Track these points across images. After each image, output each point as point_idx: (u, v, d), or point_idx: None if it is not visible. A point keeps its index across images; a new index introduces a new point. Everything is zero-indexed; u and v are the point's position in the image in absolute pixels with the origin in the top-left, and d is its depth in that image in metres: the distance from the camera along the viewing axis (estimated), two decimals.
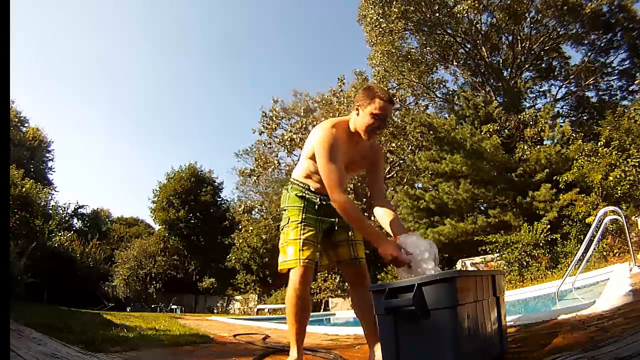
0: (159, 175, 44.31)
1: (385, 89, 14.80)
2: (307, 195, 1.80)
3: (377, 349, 1.72)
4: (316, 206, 1.78)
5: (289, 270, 1.71)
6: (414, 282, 1.24)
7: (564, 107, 17.09)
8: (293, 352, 1.75)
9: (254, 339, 3.11)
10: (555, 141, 11.06)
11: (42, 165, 23.97)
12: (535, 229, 8.58)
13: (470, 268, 10.91)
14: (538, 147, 10.92)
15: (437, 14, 14.62)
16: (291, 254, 1.70)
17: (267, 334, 3.40)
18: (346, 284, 14.99)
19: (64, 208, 24.07)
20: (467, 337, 1.25)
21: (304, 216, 1.76)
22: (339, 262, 1.85)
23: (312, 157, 1.74)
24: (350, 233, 1.84)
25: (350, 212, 1.60)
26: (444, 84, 17.54)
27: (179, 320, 6.17)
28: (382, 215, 1.79)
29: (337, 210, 1.69)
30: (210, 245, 23.20)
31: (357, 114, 1.71)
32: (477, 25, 15.37)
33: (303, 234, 1.71)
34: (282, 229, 1.80)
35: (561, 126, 11.46)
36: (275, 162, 16.74)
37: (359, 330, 3.07)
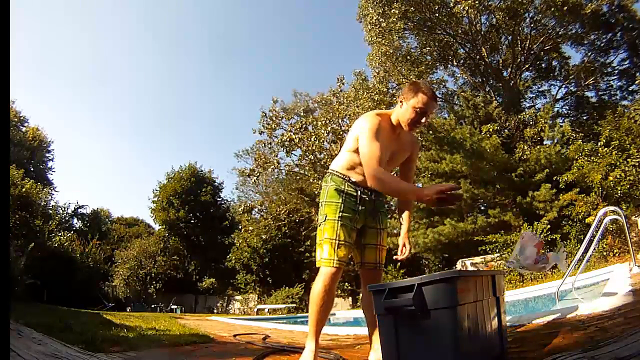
0: (159, 175, 44.38)
1: (382, 89, 14.85)
2: (346, 189, 1.80)
3: (378, 350, 1.74)
4: (356, 199, 1.80)
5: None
6: (413, 282, 1.24)
7: (564, 107, 17.09)
8: (311, 344, 1.73)
9: (254, 339, 3.11)
10: (555, 141, 11.06)
11: (42, 165, 23.96)
12: (535, 229, 8.57)
13: (470, 268, 10.90)
14: (538, 147, 10.93)
15: (437, 14, 14.62)
16: (326, 253, 1.73)
17: (267, 334, 3.40)
18: (346, 284, 15.01)
19: (64, 208, 24.13)
20: (467, 337, 1.25)
21: (340, 215, 1.77)
22: (362, 264, 1.88)
23: (356, 150, 1.76)
24: (379, 238, 1.87)
25: (384, 181, 1.60)
26: (443, 84, 17.55)
27: (179, 320, 6.17)
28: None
29: (374, 202, 1.82)
30: (210, 245, 23.20)
31: (401, 107, 1.76)
32: (477, 25, 15.36)
33: (338, 234, 1.74)
34: (319, 226, 1.83)
35: (561, 126, 11.46)
36: (275, 162, 16.74)
37: (359, 330, 3.08)
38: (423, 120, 1.72)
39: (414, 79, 16.04)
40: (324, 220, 1.78)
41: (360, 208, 1.80)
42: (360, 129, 1.74)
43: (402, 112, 1.75)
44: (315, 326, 1.73)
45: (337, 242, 1.72)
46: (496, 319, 1.54)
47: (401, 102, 1.77)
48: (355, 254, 1.90)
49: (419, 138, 13.79)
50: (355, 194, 1.79)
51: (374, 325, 1.74)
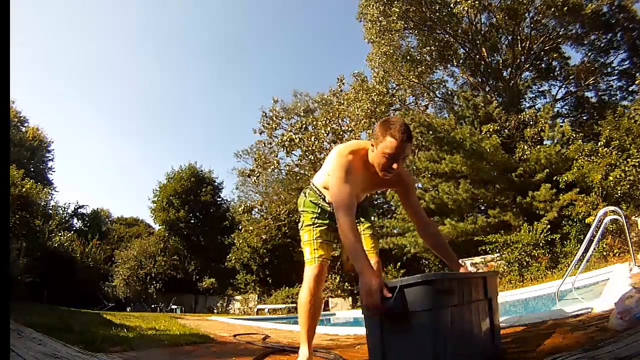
0: (159, 175, 44.33)
1: (382, 89, 14.85)
2: (320, 203, 1.90)
3: None
4: (327, 215, 1.88)
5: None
6: (396, 284, 1.24)
7: (564, 107, 17.08)
8: (304, 350, 1.76)
9: (254, 339, 3.11)
10: (555, 141, 11.06)
11: (42, 165, 23.98)
12: (535, 229, 8.58)
13: (470, 268, 10.89)
14: (538, 147, 10.92)
15: (437, 14, 14.62)
16: (308, 254, 1.83)
17: (267, 334, 3.40)
18: (346, 284, 15.01)
19: (64, 208, 24.16)
20: (452, 339, 1.25)
21: (315, 218, 1.88)
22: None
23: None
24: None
25: (347, 235, 1.44)
26: (443, 84, 17.55)
27: (179, 320, 6.17)
28: (432, 244, 1.84)
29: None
30: (210, 245, 23.19)
31: (372, 151, 1.63)
32: (477, 25, 15.36)
33: (315, 234, 1.84)
34: (300, 231, 1.93)
35: (561, 126, 11.45)
36: (275, 162, 16.74)
37: (359, 330, 3.08)
38: (395, 166, 1.56)
39: (413, 79, 16.09)
40: (302, 227, 1.90)
41: (333, 219, 1.84)
42: (331, 168, 1.67)
43: (374, 156, 1.62)
44: (307, 332, 1.77)
45: (314, 241, 1.82)
46: (488, 320, 1.53)
47: (372, 145, 1.62)
48: (344, 257, 1.95)
49: (419, 138, 13.82)
50: (328, 209, 1.88)
51: None
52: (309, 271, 1.78)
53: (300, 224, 1.94)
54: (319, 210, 1.88)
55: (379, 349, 1.30)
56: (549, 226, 8.73)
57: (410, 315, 1.22)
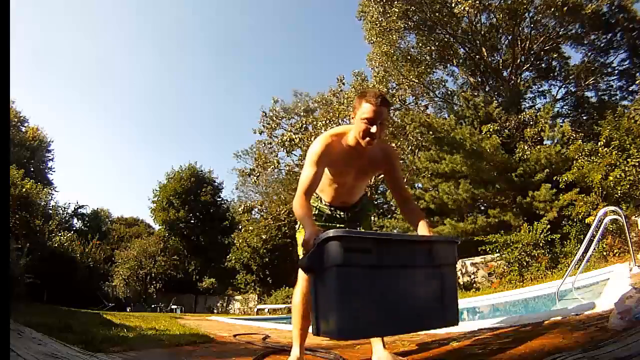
0: (159, 175, 44.33)
1: (382, 89, 14.84)
2: (318, 205, 1.91)
3: (379, 345, 1.75)
4: (323, 218, 1.90)
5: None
6: (319, 239, 1.31)
7: (564, 107, 17.09)
8: (295, 350, 1.77)
9: (254, 339, 3.11)
10: (555, 141, 11.06)
11: (42, 165, 23.96)
12: (535, 229, 8.58)
13: (470, 268, 10.92)
14: (538, 147, 10.92)
15: (438, 14, 14.62)
16: (301, 256, 1.80)
17: (267, 334, 3.40)
18: None
19: (64, 208, 24.16)
20: (366, 298, 1.27)
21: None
22: None
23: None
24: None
25: (296, 209, 1.61)
26: (443, 84, 17.55)
27: (179, 320, 6.17)
28: (410, 220, 1.81)
29: (354, 213, 1.91)
30: (210, 245, 23.20)
31: (353, 121, 1.68)
32: (477, 25, 15.36)
33: None
34: (297, 233, 1.92)
35: (561, 126, 11.45)
36: (275, 162, 16.74)
37: None
38: (374, 129, 1.59)
39: (413, 79, 16.10)
40: (298, 228, 1.88)
41: (330, 221, 1.88)
42: (308, 151, 1.72)
43: (354, 127, 1.66)
44: (299, 331, 1.78)
45: None
46: (435, 289, 1.45)
47: (353, 117, 1.67)
48: None
49: (419, 138, 13.81)
50: (325, 211, 1.90)
51: None
52: (302, 276, 1.77)
53: (297, 226, 1.91)
54: (316, 212, 1.88)
55: (313, 301, 1.40)
56: (549, 226, 8.72)
57: (323, 271, 1.30)
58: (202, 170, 24.67)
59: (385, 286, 1.33)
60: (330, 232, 1.28)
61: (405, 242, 1.47)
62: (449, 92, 17.31)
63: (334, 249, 1.26)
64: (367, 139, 1.62)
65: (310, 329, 1.77)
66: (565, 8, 12.98)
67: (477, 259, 10.63)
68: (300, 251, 1.84)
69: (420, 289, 1.44)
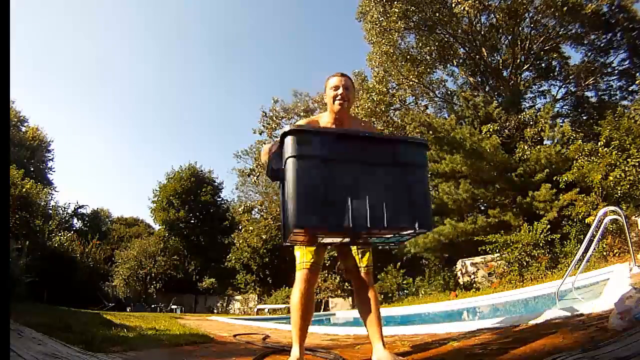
0: (159, 175, 44.36)
1: (382, 89, 14.83)
2: None
3: (379, 345, 1.75)
4: None
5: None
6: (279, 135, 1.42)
7: (564, 107, 17.06)
8: (295, 350, 1.77)
9: (254, 339, 3.11)
10: (555, 141, 11.06)
11: (42, 165, 23.97)
12: (535, 229, 8.58)
13: (470, 268, 10.92)
14: (538, 147, 10.92)
15: (438, 14, 14.61)
16: (298, 259, 1.85)
17: (267, 334, 3.40)
18: (346, 283, 15.05)
19: (64, 208, 24.14)
20: (321, 190, 1.32)
21: None
22: (345, 270, 1.96)
23: None
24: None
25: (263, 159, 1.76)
26: (443, 84, 17.54)
27: (179, 320, 6.17)
28: None
29: None
30: (210, 245, 23.19)
31: (325, 100, 1.96)
32: (477, 25, 15.36)
33: None
34: None
35: (561, 126, 11.45)
36: None
37: (359, 330, 3.07)
38: (340, 91, 1.85)
39: (413, 79, 16.09)
40: None
41: None
42: None
43: (327, 102, 1.93)
44: (299, 331, 1.78)
45: (305, 247, 1.84)
46: (397, 189, 1.44)
47: (324, 96, 1.98)
48: (341, 261, 1.96)
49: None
50: None
51: (371, 324, 1.78)
52: (299, 276, 1.81)
53: None
54: None
55: (282, 206, 1.46)
56: (549, 226, 8.72)
57: (285, 168, 1.37)
58: (202, 170, 24.68)
59: (341, 180, 1.36)
60: (286, 127, 1.38)
61: (364, 139, 1.48)
62: (449, 92, 17.29)
63: (289, 142, 1.35)
64: (338, 100, 1.86)
65: (310, 329, 1.77)
66: (565, 8, 12.97)
67: (477, 259, 10.62)
68: (296, 251, 1.87)
69: (382, 188, 1.43)
